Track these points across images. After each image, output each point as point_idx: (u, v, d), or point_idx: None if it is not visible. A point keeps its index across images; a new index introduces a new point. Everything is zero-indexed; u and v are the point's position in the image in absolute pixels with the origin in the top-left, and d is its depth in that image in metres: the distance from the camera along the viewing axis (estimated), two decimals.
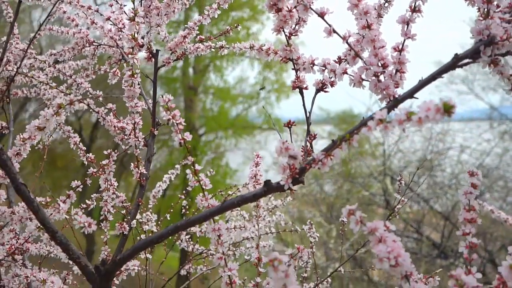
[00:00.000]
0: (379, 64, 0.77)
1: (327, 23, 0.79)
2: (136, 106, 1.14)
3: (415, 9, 0.75)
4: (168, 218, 1.89)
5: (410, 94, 0.71)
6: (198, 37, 1.42)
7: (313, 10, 0.79)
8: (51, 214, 0.99)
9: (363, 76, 0.79)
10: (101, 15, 1.34)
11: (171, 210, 1.93)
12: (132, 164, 1.22)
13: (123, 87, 1.08)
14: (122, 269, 1.33)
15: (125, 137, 1.24)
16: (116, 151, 1.18)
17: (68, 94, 1.38)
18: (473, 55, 0.68)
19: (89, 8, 1.36)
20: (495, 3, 0.67)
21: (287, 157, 0.70)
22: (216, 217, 0.82)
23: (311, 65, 0.88)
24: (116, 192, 1.23)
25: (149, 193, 1.95)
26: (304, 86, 0.89)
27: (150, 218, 1.67)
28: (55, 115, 0.90)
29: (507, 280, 0.54)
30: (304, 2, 0.78)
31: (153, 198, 1.90)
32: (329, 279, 1.68)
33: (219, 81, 10.61)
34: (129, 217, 1.21)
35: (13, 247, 1.13)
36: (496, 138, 7.84)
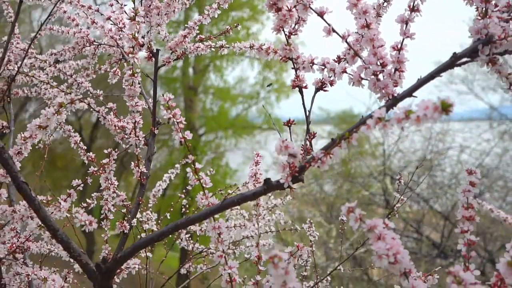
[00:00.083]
0: (378, 63, 0.77)
1: (326, 22, 0.80)
2: (137, 105, 1.14)
3: (414, 9, 0.75)
4: (168, 217, 1.89)
5: (409, 92, 0.72)
6: (198, 36, 1.42)
7: (313, 10, 0.79)
8: (52, 212, 0.99)
9: (362, 75, 0.79)
10: (101, 14, 1.34)
11: (171, 209, 1.94)
12: (132, 163, 1.22)
13: (123, 86, 1.08)
14: (122, 267, 1.33)
15: (126, 136, 1.25)
16: (116, 150, 1.19)
17: (69, 94, 1.38)
18: (472, 54, 0.68)
19: (90, 7, 1.37)
20: (493, 2, 0.68)
21: (287, 155, 0.70)
22: (216, 216, 0.83)
23: (311, 64, 0.88)
24: (117, 191, 1.24)
25: (149, 193, 1.96)
26: (304, 85, 0.89)
27: (150, 217, 1.68)
28: (56, 114, 0.90)
29: (505, 277, 0.55)
30: (303, 1, 0.79)
31: (153, 197, 1.91)
32: (329, 278, 1.69)
33: (219, 81, 10.62)
34: (129, 216, 1.21)
35: (14, 245, 1.14)
36: (495, 138, 7.86)
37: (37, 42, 1.56)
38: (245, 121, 10.45)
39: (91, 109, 1.27)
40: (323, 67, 0.87)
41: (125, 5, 1.28)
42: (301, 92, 0.90)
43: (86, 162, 1.31)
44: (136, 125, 1.19)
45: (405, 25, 0.76)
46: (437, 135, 7.74)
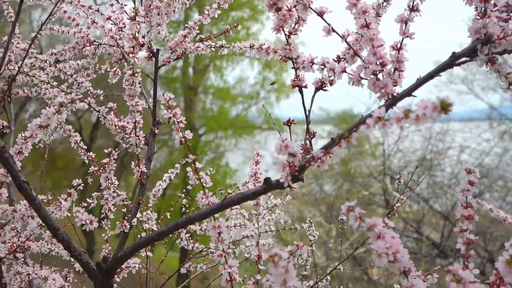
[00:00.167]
0: (378, 63, 0.77)
1: (326, 22, 0.80)
2: (137, 104, 1.15)
3: (413, 8, 0.76)
4: (168, 217, 1.90)
5: (408, 92, 0.72)
6: (198, 36, 1.43)
7: (312, 9, 0.80)
8: (53, 212, 1.00)
9: (362, 75, 0.80)
10: (101, 14, 1.35)
11: (171, 209, 1.94)
12: (132, 162, 1.22)
13: (124, 86, 1.09)
14: (123, 266, 1.34)
15: (126, 135, 1.25)
16: (116, 149, 1.19)
17: (69, 93, 1.39)
18: (471, 53, 0.68)
19: (90, 7, 1.37)
20: (492, 2, 0.68)
21: (287, 154, 0.70)
22: (216, 215, 0.83)
23: (311, 63, 0.88)
24: (117, 191, 1.24)
25: (149, 193, 1.96)
26: (304, 84, 0.90)
27: (150, 216, 1.68)
28: (56, 114, 0.91)
29: (504, 275, 0.55)
30: (303, 1, 0.79)
31: (153, 197, 1.91)
32: (329, 277, 1.69)
33: (219, 81, 10.62)
34: (129, 215, 1.21)
35: (14, 245, 1.14)
36: (495, 138, 7.86)
37: (37, 42, 1.56)
38: (245, 121, 10.45)
39: (92, 109, 1.27)
40: (322, 66, 0.87)
41: (125, 5, 1.28)
42: (301, 92, 0.90)
43: (87, 161, 1.32)
44: (136, 124, 1.19)
45: (404, 25, 0.76)
46: (437, 135, 7.75)
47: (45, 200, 1.09)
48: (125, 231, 1.17)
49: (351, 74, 0.82)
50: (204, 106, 10.50)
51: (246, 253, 1.62)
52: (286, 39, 0.87)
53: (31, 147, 0.97)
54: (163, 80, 9.59)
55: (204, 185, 0.84)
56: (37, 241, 1.26)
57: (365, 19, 0.77)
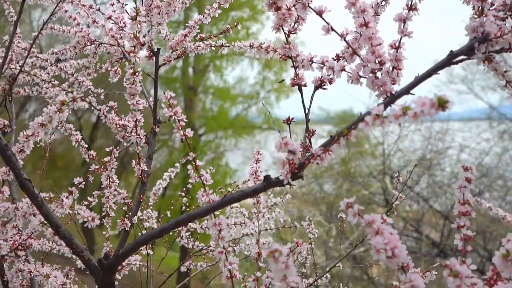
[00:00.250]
0: (376, 61, 0.78)
1: (325, 21, 0.81)
2: (138, 103, 1.15)
3: (411, 7, 0.76)
4: (169, 216, 1.90)
5: (407, 90, 0.73)
6: (198, 35, 1.43)
7: (312, 9, 0.81)
8: (54, 209, 1.00)
9: (361, 73, 0.80)
10: (102, 14, 1.35)
11: (172, 208, 1.95)
12: (133, 161, 1.23)
13: (125, 85, 1.09)
14: (124, 264, 1.34)
15: (127, 134, 1.26)
16: (117, 148, 1.20)
17: (70, 92, 1.39)
18: (468, 52, 0.69)
19: (91, 7, 1.38)
20: (489, 1, 0.69)
21: (286, 152, 0.71)
22: (217, 213, 0.84)
23: (310, 62, 0.89)
24: (118, 189, 1.25)
25: (149, 192, 1.97)
26: (303, 83, 0.90)
27: (150, 215, 1.69)
28: (58, 112, 0.91)
29: (501, 270, 0.56)
30: (302, 0, 0.80)
31: (154, 195, 1.92)
32: (328, 276, 1.70)
33: (219, 81, 10.62)
34: (130, 213, 1.22)
35: (16, 242, 1.15)
36: (495, 137, 7.88)
37: (37, 41, 1.57)
38: (245, 121, 10.45)
39: (92, 108, 1.28)
40: (322, 65, 0.88)
41: (125, 5, 1.29)
42: (300, 90, 0.91)
43: (88, 160, 1.32)
44: (137, 123, 1.20)
45: (403, 24, 0.77)
46: (436, 135, 7.77)
47: (46, 198, 1.10)
48: (126, 229, 1.17)
49: (350, 73, 0.83)
50: (204, 106, 10.50)
51: (246, 251, 1.63)
52: (286, 38, 0.88)
53: (32, 147, 0.97)
54: (163, 80, 9.60)
55: (205, 182, 0.85)
56: (38, 239, 1.27)
57: (364, 18, 0.77)
